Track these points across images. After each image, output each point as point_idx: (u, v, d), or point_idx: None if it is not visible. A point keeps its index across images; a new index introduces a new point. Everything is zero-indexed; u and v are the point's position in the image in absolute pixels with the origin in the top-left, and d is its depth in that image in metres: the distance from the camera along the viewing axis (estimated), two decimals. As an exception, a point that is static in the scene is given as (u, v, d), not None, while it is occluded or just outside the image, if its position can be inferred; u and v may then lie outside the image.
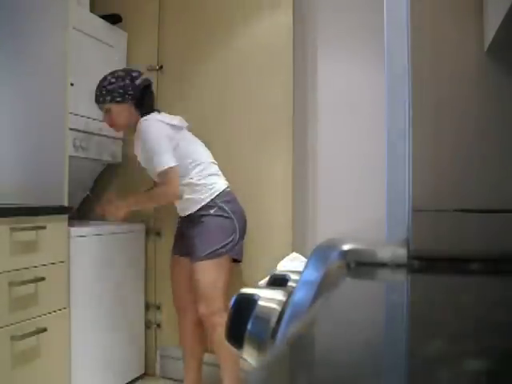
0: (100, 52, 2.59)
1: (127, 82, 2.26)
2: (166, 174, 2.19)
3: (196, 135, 2.48)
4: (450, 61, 1.04)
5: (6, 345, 1.83)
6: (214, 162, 2.36)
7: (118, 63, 2.73)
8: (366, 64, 2.41)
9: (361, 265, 0.40)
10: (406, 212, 0.93)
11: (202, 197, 2.25)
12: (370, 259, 0.40)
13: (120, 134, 2.77)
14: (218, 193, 2.26)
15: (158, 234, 2.73)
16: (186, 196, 2.26)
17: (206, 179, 2.27)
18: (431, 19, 1.05)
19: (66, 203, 2.22)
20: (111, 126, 2.34)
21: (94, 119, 2.55)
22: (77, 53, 2.36)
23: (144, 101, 2.31)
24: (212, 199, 2.24)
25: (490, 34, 0.99)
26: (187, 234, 2.30)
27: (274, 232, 2.48)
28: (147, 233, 2.73)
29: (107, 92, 2.25)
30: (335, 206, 2.46)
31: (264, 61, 2.53)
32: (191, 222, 2.28)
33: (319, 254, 0.42)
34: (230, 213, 2.24)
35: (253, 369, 0.20)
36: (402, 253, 0.39)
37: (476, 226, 0.76)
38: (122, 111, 2.28)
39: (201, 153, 2.34)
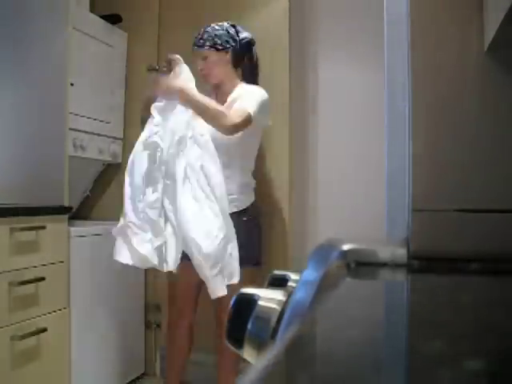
0: (100, 52, 2.59)
1: (231, 33, 2.19)
2: (242, 113, 1.99)
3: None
4: (450, 61, 1.04)
5: (6, 345, 1.83)
6: None
7: (117, 63, 2.73)
8: (365, 64, 2.41)
9: (361, 265, 0.40)
10: (405, 212, 0.93)
11: (249, 200, 2.18)
12: (370, 259, 0.40)
13: (120, 134, 2.77)
14: (253, 199, 2.21)
15: (158, 234, 2.73)
16: (237, 192, 2.12)
17: (250, 183, 2.23)
18: (431, 19, 1.05)
19: (66, 203, 2.22)
20: (207, 75, 2.19)
21: (94, 119, 2.55)
22: (77, 53, 2.36)
23: (243, 59, 2.22)
24: (252, 203, 2.19)
25: (490, 33, 0.99)
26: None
27: (272, 232, 2.48)
28: (147, 233, 2.73)
29: (209, 37, 2.16)
30: (335, 206, 2.46)
31: (264, 61, 2.53)
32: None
33: (319, 254, 0.42)
34: (259, 223, 2.23)
35: (253, 369, 0.20)
36: (401, 253, 0.39)
37: (476, 225, 0.75)
38: (219, 61, 2.16)
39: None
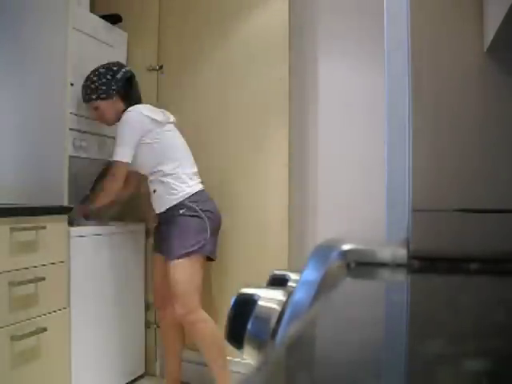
0: (100, 52, 2.59)
1: (109, 77, 2.32)
2: (113, 167, 2.28)
3: (195, 135, 2.48)
4: (450, 61, 1.04)
5: (6, 345, 1.83)
6: (191, 163, 2.38)
7: (117, 63, 2.73)
8: (366, 64, 2.41)
9: (361, 265, 0.40)
10: (406, 212, 0.93)
11: (172, 197, 2.29)
12: (370, 259, 0.40)
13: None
14: (188, 195, 2.29)
15: (158, 234, 2.74)
16: (159, 191, 2.32)
17: (178, 180, 2.30)
18: (431, 19, 1.05)
19: (65, 203, 2.22)
20: (101, 121, 2.43)
21: (94, 119, 2.55)
22: (77, 53, 2.36)
23: (129, 92, 2.38)
24: (181, 201, 2.28)
25: (490, 33, 0.99)
26: (161, 233, 2.36)
27: (269, 233, 2.48)
28: (147, 233, 2.74)
29: (92, 91, 2.32)
30: (335, 206, 2.46)
31: (265, 61, 2.53)
32: (164, 220, 2.33)
33: (319, 254, 0.42)
34: (199, 212, 2.27)
35: (253, 369, 0.20)
36: (401, 253, 0.39)
37: (476, 226, 0.75)
38: (109, 106, 2.35)
39: (179, 151, 2.36)
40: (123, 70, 2.38)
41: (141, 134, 2.26)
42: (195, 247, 2.24)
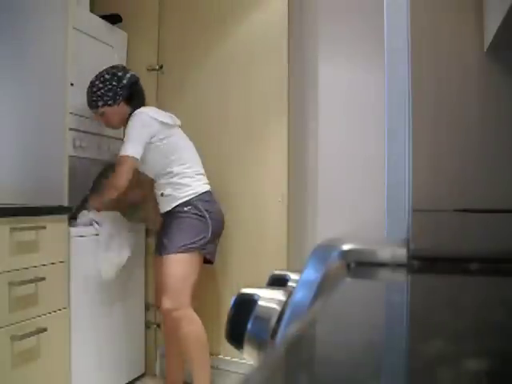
0: (100, 52, 2.59)
1: (114, 83, 2.32)
2: (120, 162, 2.24)
3: (195, 134, 2.48)
4: (450, 61, 1.04)
5: (6, 345, 1.83)
6: (199, 165, 2.40)
7: (117, 63, 2.73)
8: (366, 63, 2.41)
9: (361, 265, 0.40)
10: (405, 212, 0.93)
11: (181, 195, 2.29)
12: (370, 259, 0.40)
13: (120, 134, 2.77)
14: (196, 194, 2.29)
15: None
16: (167, 193, 2.32)
17: (187, 179, 2.31)
18: (431, 19, 1.05)
19: (66, 203, 2.22)
20: (107, 126, 2.44)
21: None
22: (77, 53, 2.36)
23: (134, 96, 2.38)
24: (188, 200, 2.28)
25: (490, 34, 0.99)
26: (163, 230, 2.36)
27: (269, 233, 2.48)
28: (147, 233, 2.73)
29: (98, 97, 2.32)
30: (335, 206, 2.46)
31: (265, 60, 2.53)
32: (168, 218, 2.34)
33: (319, 254, 0.42)
34: (203, 212, 2.28)
35: (253, 369, 0.20)
36: (401, 253, 0.39)
37: (476, 226, 0.75)
38: (116, 112, 2.35)
39: (187, 152, 2.37)
40: (128, 74, 2.36)
41: (149, 134, 2.26)
42: (195, 244, 2.24)
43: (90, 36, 2.52)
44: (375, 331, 0.26)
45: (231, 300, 0.53)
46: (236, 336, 0.50)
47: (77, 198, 2.59)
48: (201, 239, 2.26)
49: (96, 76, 2.35)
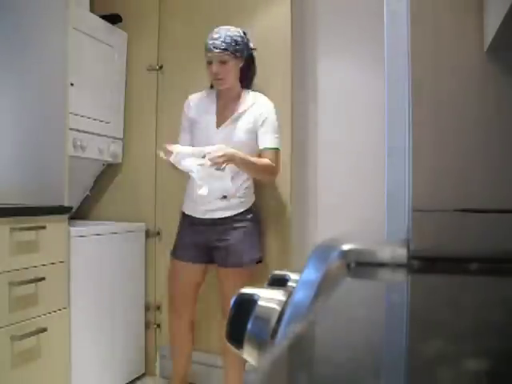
0: (100, 52, 2.59)
1: (245, 40, 2.23)
2: (276, 154, 2.19)
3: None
4: (450, 61, 1.04)
5: (6, 345, 1.83)
6: None
7: (117, 63, 2.73)
8: (366, 64, 2.41)
9: (361, 265, 0.40)
10: (405, 212, 0.93)
11: (248, 200, 2.26)
12: (370, 259, 0.40)
13: (120, 134, 2.77)
14: (254, 199, 2.29)
15: (158, 233, 2.73)
16: (240, 195, 2.22)
17: (252, 185, 2.31)
18: (431, 19, 1.05)
19: (65, 203, 2.22)
20: (222, 79, 2.18)
21: (94, 119, 2.55)
22: (77, 53, 2.36)
23: (251, 69, 2.31)
24: (253, 203, 2.27)
25: (489, 34, 0.99)
26: (225, 241, 2.20)
27: (272, 232, 2.48)
28: (147, 233, 2.73)
29: (231, 42, 2.14)
30: (335, 205, 2.46)
31: (264, 60, 2.53)
32: (228, 226, 2.19)
33: (319, 254, 0.42)
34: (261, 218, 2.30)
35: (253, 369, 0.20)
36: (401, 253, 0.39)
37: (476, 225, 0.75)
38: (235, 69, 2.19)
39: None
40: (252, 45, 2.30)
41: None
42: (261, 253, 2.26)
43: (90, 36, 2.52)
44: (375, 331, 0.26)
45: (231, 300, 0.53)
46: (236, 336, 0.50)
47: (77, 198, 2.59)
48: (262, 246, 2.29)
49: (229, 27, 2.19)
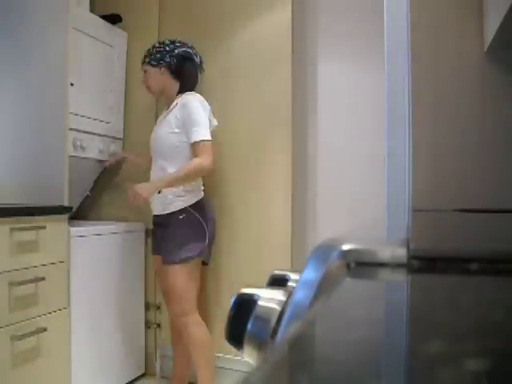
0: (100, 52, 2.59)
1: (167, 48, 2.36)
2: (202, 146, 2.22)
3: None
4: (450, 61, 1.04)
5: (6, 345, 1.83)
6: None
7: (117, 63, 2.73)
8: (366, 64, 2.41)
9: (361, 265, 0.40)
10: (405, 212, 0.93)
11: (179, 201, 2.27)
12: (370, 259, 0.40)
13: (120, 134, 2.77)
14: (194, 201, 2.29)
15: (158, 233, 2.73)
16: (169, 195, 2.28)
17: (194, 185, 2.31)
18: (431, 19, 1.05)
19: (66, 203, 2.22)
20: (145, 86, 2.43)
21: (95, 119, 2.55)
22: (77, 53, 2.36)
23: (182, 72, 2.38)
24: (189, 205, 2.28)
25: (489, 34, 0.99)
26: (161, 235, 2.34)
27: (272, 232, 2.49)
28: (147, 233, 2.73)
29: (148, 54, 2.39)
30: (335, 206, 2.46)
31: (264, 61, 2.53)
32: (165, 223, 2.31)
33: (319, 254, 0.42)
34: (201, 220, 2.28)
35: (253, 369, 0.20)
36: (401, 253, 0.39)
37: (476, 225, 0.75)
38: (156, 75, 2.37)
39: None
40: (184, 49, 2.39)
41: (207, 118, 2.30)
42: (195, 252, 2.26)
43: (90, 36, 2.52)
44: (375, 331, 0.26)
45: (231, 300, 0.53)
46: (236, 336, 0.50)
47: (77, 198, 2.59)
48: (199, 247, 2.28)
49: (160, 41, 2.44)
